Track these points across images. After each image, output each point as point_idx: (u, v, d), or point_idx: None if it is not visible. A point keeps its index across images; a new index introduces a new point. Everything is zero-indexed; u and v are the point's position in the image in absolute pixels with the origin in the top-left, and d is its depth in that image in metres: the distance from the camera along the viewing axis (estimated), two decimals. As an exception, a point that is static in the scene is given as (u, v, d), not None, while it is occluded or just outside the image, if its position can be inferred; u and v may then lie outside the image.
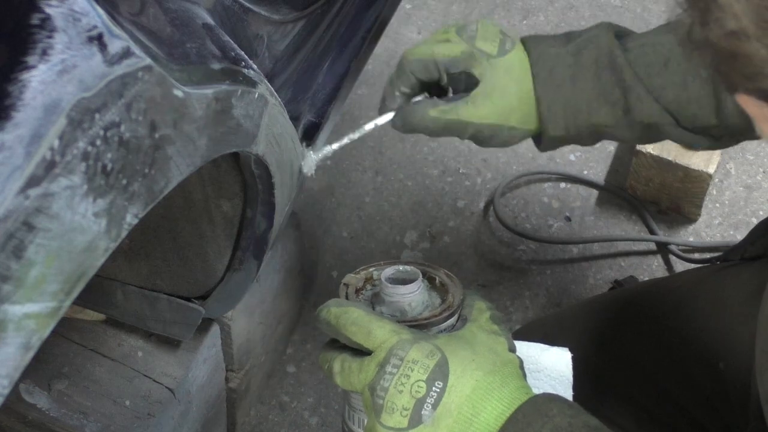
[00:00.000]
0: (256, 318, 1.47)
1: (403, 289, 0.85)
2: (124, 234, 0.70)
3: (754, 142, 2.00)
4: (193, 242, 1.16)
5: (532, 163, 1.99)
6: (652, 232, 1.85)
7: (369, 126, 1.16)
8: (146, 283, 1.22)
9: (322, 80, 1.25)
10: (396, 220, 1.91)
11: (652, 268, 1.83)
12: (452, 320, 0.84)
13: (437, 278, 0.89)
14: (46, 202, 0.62)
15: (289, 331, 1.72)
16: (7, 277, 0.60)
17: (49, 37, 0.63)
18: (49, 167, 0.62)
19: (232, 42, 0.91)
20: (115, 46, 0.66)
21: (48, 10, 0.63)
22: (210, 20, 0.91)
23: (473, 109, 1.06)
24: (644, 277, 1.81)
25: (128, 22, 0.71)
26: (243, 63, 0.90)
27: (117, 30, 0.67)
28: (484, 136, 1.09)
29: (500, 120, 1.06)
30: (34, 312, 0.63)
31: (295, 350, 1.74)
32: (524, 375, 0.79)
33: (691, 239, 1.85)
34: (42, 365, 1.29)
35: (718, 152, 1.81)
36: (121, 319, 1.30)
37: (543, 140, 1.10)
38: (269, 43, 1.13)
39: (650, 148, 1.82)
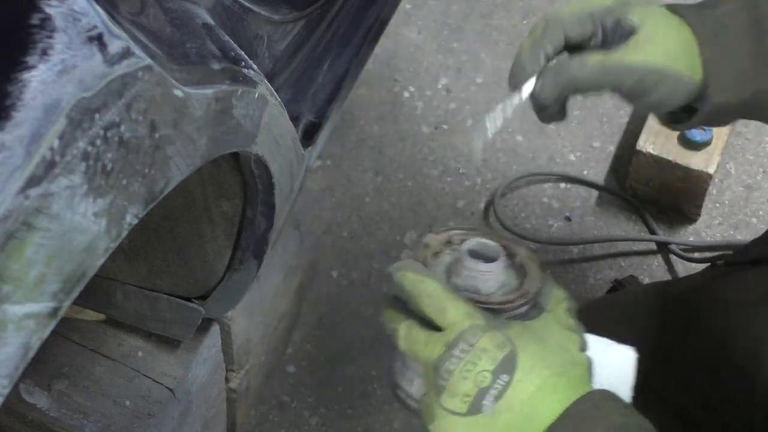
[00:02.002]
0: (256, 318, 1.47)
1: (482, 266, 0.82)
2: (124, 234, 0.70)
3: (754, 142, 2.00)
4: (193, 242, 1.16)
5: (532, 163, 1.99)
6: (652, 232, 1.85)
7: (515, 99, 0.99)
8: (146, 283, 1.22)
9: (322, 80, 1.25)
10: (396, 220, 1.91)
11: (653, 268, 1.82)
12: (526, 308, 0.81)
13: (518, 257, 0.85)
14: (46, 202, 0.62)
15: (289, 331, 1.72)
16: (7, 277, 0.60)
17: (49, 37, 0.63)
18: (49, 167, 0.62)
19: (232, 42, 0.91)
20: (115, 46, 0.66)
21: (48, 10, 0.63)
22: (210, 20, 0.91)
23: (637, 52, 0.96)
24: (644, 276, 1.81)
25: (128, 22, 0.71)
26: (243, 63, 0.90)
27: (117, 30, 0.67)
28: (648, 85, 0.96)
29: (666, 62, 0.95)
30: (34, 312, 0.63)
31: (295, 350, 1.74)
32: (592, 377, 0.78)
33: (691, 239, 1.85)
34: (42, 365, 1.29)
35: (718, 152, 1.81)
36: (121, 319, 1.30)
37: (703, 107, 0.97)
38: (269, 43, 1.13)
39: (650, 148, 1.82)
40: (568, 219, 1.91)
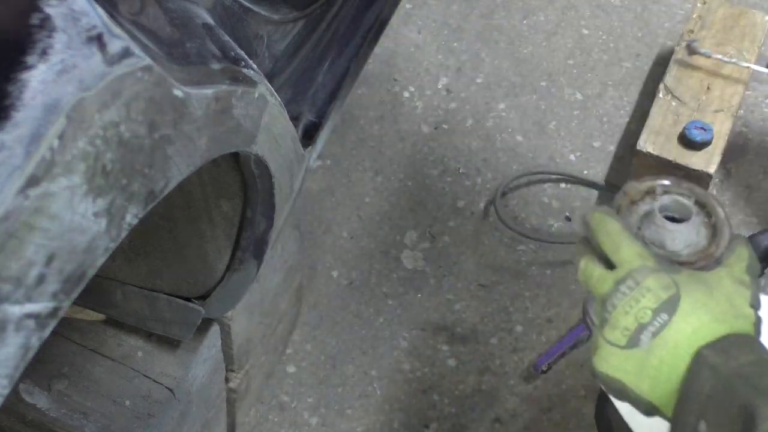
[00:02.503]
0: (256, 318, 1.47)
1: (670, 225, 0.84)
2: (124, 234, 0.70)
3: (755, 141, 2.00)
4: (193, 242, 1.16)
5: (532, 163, 1.99)
6: (652, 232, 1.85)
7: None
8: (146, 283, 1.22)
9: (322, 80, 1.25)
10: (396, 220, 1.91)
11: (652, 268, 1.82)
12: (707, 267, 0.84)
13: (713, 219, 0.86)
14: (46, 202, 0.62)
15: (289, 331, 1.72)
16: (7, 277, 0.60)
17: (49, 36, 0.63)
18: (48, 167, 0.62)
19: (232, 42, 0.91)
20: (114, 45, 0.66)
21: (48, 10, 0.63)
22: (210, 20, 0.91)
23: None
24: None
25: (128, 21, 0.71)
26: (243, 63, 0.89)
27: (117, 30, 0.67)
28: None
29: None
30: (34, 312, 0.63)
31: (295, 350, 1.74)
32: (758, 335, 0.79)
33: (691, 239, 1.85)
34: (42, 365, 1.29)
35: (718, 152, 1.81)
36: (121, 319, 1.30)
37: None
38: (269, 43, 1.13)
39: (650, 148, 1.82)
40: (568, 219, 1.90)
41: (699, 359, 0.76)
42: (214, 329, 1.35)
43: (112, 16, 0.67)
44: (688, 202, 0.86)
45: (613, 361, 0.79)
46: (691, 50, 1.98)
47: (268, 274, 1.45)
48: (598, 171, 1.97)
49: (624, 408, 0.85)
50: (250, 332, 1.47)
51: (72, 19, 0.64)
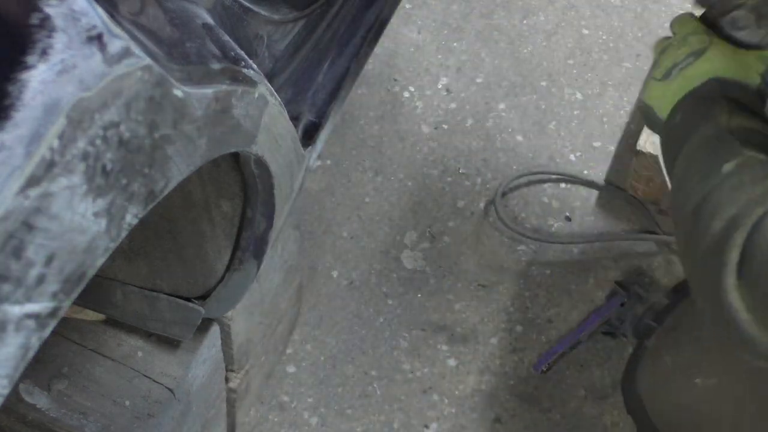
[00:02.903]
0: (256, 318, 1.47)
1: None
2: (124, 234, 0.70)
3: (754, 142, 2.00)
4: (193, 242, 1.16)
5: (532, 163, 1.99)
6: (652, 231, 1.85)
7: None
8: (146, 283, 1.22)
9: (322, 80, 1.25)
10: (396, 220, 1.91)
11: (653, 268, 1.82)
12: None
13: None
14: (45, 202, 0.62)
15: (289, 331, 1.72)
16: (7, 277, 0.60)
17: (49, 36, 0.63)
18: (48, 167, 0.61)
19: (232, 42, 0.91)
20: (114, 45, 0.66)
21: (48, 9, 0.63)
22: (210, 20, 0.91)
23: None
24: (645, 276, 1.81)
25: (128, 21, 0.71)
26: (243, 63, 0.89)
27: (117, 30, 0.67)
28: None
29: None
30: (34, 312, 0.63)
31: (295, 350, 1.74)
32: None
33: (691, 239, 1.85)
34: (42, 365, 1.29)
35: (718, 152, 1.81)
36: (121, 319, 1.30)
37: None
38: (269, 43, 1.13)
39: (651, 148, 1.82)
40: (568, 219, 1.90)
41: (710, 81, 1.03)
42: (214, 329, 1.35)
43: (112, 16, 0.67)
44: None
45: (650, 91, 1.10)
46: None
47: (268, 274, 1.45)
48: (598, 171, 1.97)
49: None
50: (250, 332, 1.46)
51: (72, 19, 0.64)
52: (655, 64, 1.09)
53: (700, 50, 1.06)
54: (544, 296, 1.80)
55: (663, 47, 1.11)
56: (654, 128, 1.10)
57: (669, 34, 1.17)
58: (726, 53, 1.05)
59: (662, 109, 1.08)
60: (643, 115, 1.12)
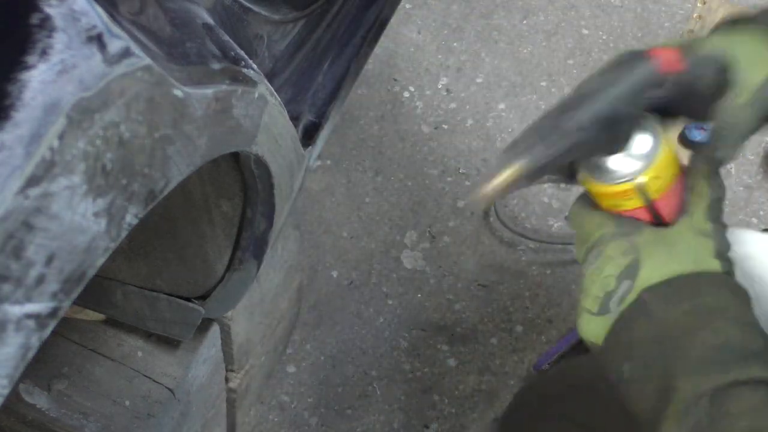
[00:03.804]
0: (256, 318, 1.47)
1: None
2: (124, 234, 0.70)
3: (754, 142, 2.00)
4: (193, 242, 1.16)
5: (532, 163, 1.99)
6: (652, 232, 1.85)
7: None
8: (146, 283, 1.22)
9: (322, 80, 1.25)
10: (396, 220, 1.91)
11: (652, 268, 1.82)
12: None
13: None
14: (45, 202, 0.62)
15: (289, 331, 1.72)
16: (7, 277, 0.60)
17: (49, 36, 0.63)
18: (48, 167, 0.61)
19: (232, 42, 0.91)
20: (114, 45, 0.66)
21: (48, 9, 0.63)
22: (210, 20, 0.91)
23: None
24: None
25: (128, 21, 0.71)
26: (243, 63, 0.89)
27: (117, 30, 0.67)
28: None
29: None
30: (34, 312, 0.63)
31: (295, 350, 1.74)
32: (731, 277, 0.79)
33: (691, 239, 1.85)
34: (42, 365, 1.29)
35: (718, 152, 1.81)
36: (120, 319, 1.30)
37: None
38: (269, 43, 1.13)
39: (650, 148, 1.81)
40: (568, 219, 1.91)
41: (638, 302, 0.78)
42: (214, 329, 1.35)
43: (112, 16, 0.67)
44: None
45: (588, 327, 0.82)
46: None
47: (268, 274, 1.45)
48: (598, 171, 1.97)
49: None
50: (250, 332, 1.46)
51: (72, 19, 0.64)
52: (582, 290, 0.83)
53: (630, 266, 0.81)
54: (544, 296, 1.80)
55: (582, 263, 0.85)
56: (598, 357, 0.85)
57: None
58: (659, 250, 0.80)
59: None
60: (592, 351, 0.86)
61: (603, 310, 0.81)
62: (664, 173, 0.85)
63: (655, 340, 0.77)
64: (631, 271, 0.80)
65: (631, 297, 0.79)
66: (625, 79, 0.83)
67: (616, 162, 0.85)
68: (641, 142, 0.84)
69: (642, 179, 0.85)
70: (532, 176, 0.86)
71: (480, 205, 0.94)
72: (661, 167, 0.85)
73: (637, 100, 0.83)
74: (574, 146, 0.84)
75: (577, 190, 0.89)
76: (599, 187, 0.87)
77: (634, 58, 0.83)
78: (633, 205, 0.87)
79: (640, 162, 0.84)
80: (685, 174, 0.86)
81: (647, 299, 0.78)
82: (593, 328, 0.81)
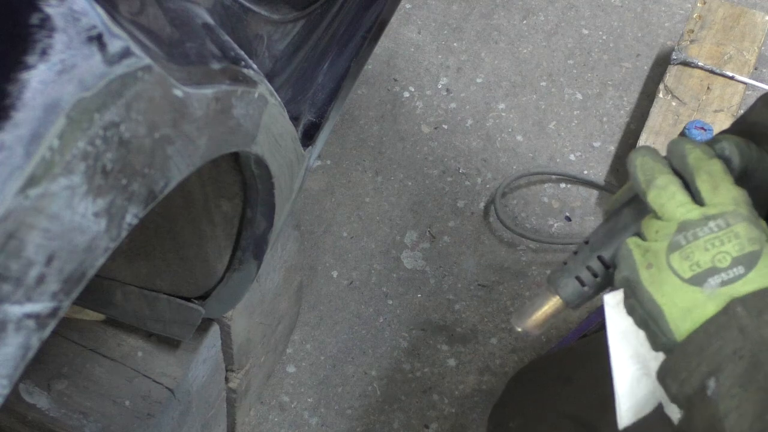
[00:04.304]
0: (256, 318, 1.47)
1: None
2: (124, 234, 0.70)
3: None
4: (193, 242, 1.16)
5: (532, 163, 1.99)
6: (652, 232, 1.85)
7: None
8: (146, 283, 1.22)
9: (322, 80, 1.25)
10: (396, 220, 1.90)
11: (652, 268, 1.82)
12: None
13: None
14: (45, 202, 0.62)
15: (289, 331, 1.72)
16: (7, 277, 0.60)
17: (49, 36, 0.63)
18: (48, 167, 0.61)
19: (232, 42, 0.91)
20: (114, 45, 0.66)
21: (47, 9, 0.63)
22: (210, 20, 0.91)
23: None
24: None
25: (128, 21, 0.71)
26: (243, 63, 0.89)
27: (116, 30, 0.67)
28: None
29: None
30: (34, 312, 0.63)
31: (295, 350, 1.74)
32: None
33: (691, 239, 1.85)
34: (42, 365, 1.29)
35: (718, 152, 1.81)
36: (120, 319, 1.30)
37: None
38: (269, 43, 1.13)
39: (650, 148, 1.81)
40: (568, 219, 1.90)
41: (729, 314, 0.73)
42: (214, 329, 1.35)
43: (112, 16, 0.67)
44: None
45: (666, 288, 0.75)
46: (685, 64, 2.00)
47: (268, 274, 1.45)
48: (598, 171, 1.97)
49: (617, 343, 0.83)
50: (250, 332, 1.46)
51: (72, 19, 0.64)
52: (677, 247, 0.76)
53: (752, 254, 0.74)
54: (544, 296, 1.81)
55: (684, 220, 0.77)
56: (656, 340, 0.78)
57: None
58: None
59: (680, 325, 0.75)
60: (636, 310, 0.79)
61: (696, 280, 0.74)
62: None
63: (751, 362, 0.71)
64: (749, 260, 0.74)
65: (740, 289, 0.73)
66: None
67: None
68: None
69: None
70: (577, 306, 0.87)
71: (524, 334, 0.91)
72: None
73: None
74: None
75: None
76: None
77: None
78: None
79: None
80: None
81: (740, 312, 0.73)
82: (670, 292, 0.75)
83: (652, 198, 0.78)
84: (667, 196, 0.78)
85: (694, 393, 0.73)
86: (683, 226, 0.76)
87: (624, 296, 0.80)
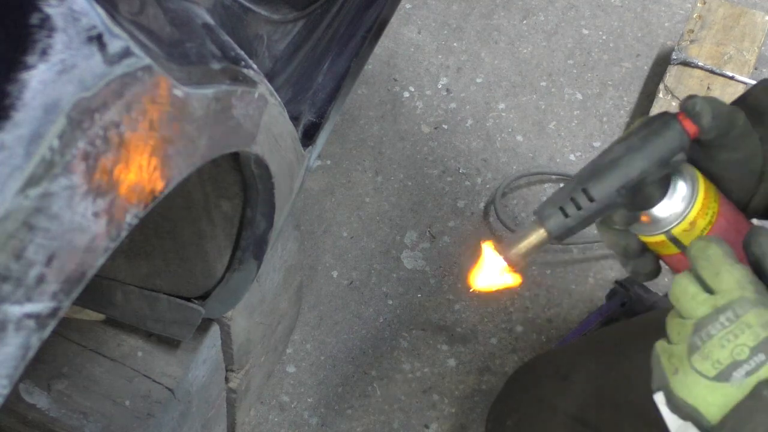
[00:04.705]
0: (256, 318, 1.47)
1: None
2: (124, 234, 0.70)
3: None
4: (193, 242, 1.16)
5: (532, 163, 1.99)
6: (652, 232, 1.85)
7: None
8: (146, 283, 1.22)
9: (322, 80, 1.25)
10: (396, 220, 1.90)
11: (652, 268, 1.83)
12: None
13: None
14: (45, 202, 0.62)
15: (289, 331, 1.71)
16: (7, 277, 0.60)
17: (49, 36, 0.63)
18: (48, 167, 0.61)
19: (232, 42, 0.91)
20: (114, 45, 0.66)
21: (47, 9, 0.63)
22: (210, 20, 0.91)
23: None
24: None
25: (128, 21, 0.71)
26: (243, 63, 0.89)
27: (116, 30, 0.67)
28: None
29: None
30: (34, 312, 0.63)
31: (295, 350, 1.74)
32: None
33: (691, 239, 1.85)
34: (42, 365, 1.29)
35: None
36: (121, 319, 1.30)
37: None
38: (269, 43, 1.13)
39: (650, 148, 1.81)
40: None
41: (756, 397, 0.74)
42: (214, 329, 1.35)
43: (112, 16, 0.67)
44: None
45: (696, 391, 0.77)
46: (685, 64, 2.00)
47: (268, 274, 1.45)
48: (598, 171, 1.97)
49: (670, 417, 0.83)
50: (250, 332, 1.46)
51: (72, 19, 0.64)
52: (695, 349, 0.77)
53: None
54: (544, 296, 1.80)
55: (698, 319, 0.78)
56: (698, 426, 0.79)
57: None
58: None
59: (715, 415, 0.77)
60: (677, 411, 0.80)
61: (723, 377, 0.76)
62: (700, 220, 0.88)
63: None
64: (767, 346, 0.75)
65: (764, 373, 0.75)
66: (655, 145, 0.85)
67: (648, 216, 0.88)
68: (674, 194, 0.87)
69: (674, 230, 0.87)
70: (560, 238, 0.88)
71: (510, 266, 0.92)
72: (696, 214, 0.87)
73: (664, 164, 0.85)
74: (604, 210, 0.86)
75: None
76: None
77: (664, 123, 0.85)
78: (670, 251, 0.89)
79: (671, 216, 0.87)
80: (725, 204, 0.88)
81: (766, 394, 0.74)
82: (702, 393, 0.76)
83: (671, 293, 0.81)
84: (680, 291, 0.80)
85: None
86: (698, 326, 0.77)
87: (665, 399, 0.81)
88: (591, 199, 0.86)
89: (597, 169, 0.86)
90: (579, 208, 0.86)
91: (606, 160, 0.86)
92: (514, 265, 0.91)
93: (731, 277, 0.78)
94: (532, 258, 0.88)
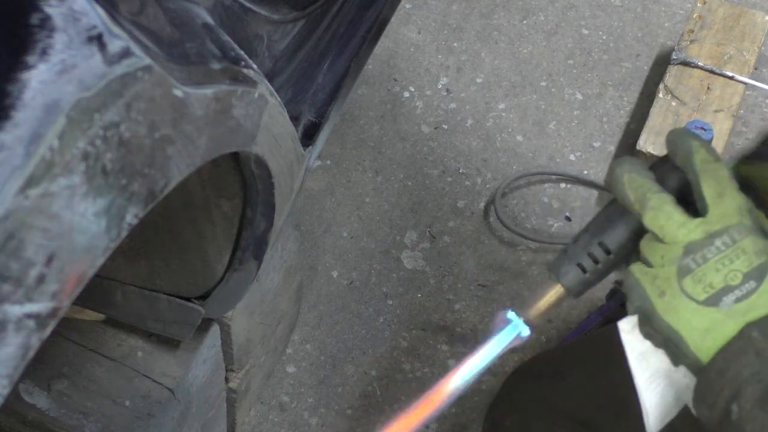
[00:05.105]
0: (256, 318, 1.47)
1: None
2: (124, 234, 0.70)
3: (754, 143, 2.00)
4: (193, 242, 1.16)
5: (532, 163, 1.99)
6: (652, 232, 1.85)
7: None
8: (146, 283, 1.22)
9: (322, 80, 1.25)
10: (396, 220, 1.90)
11: (652, 268, 1.82)
12: None
13: None
14: (45, 202, 0.62)
15: (289, 331, 1.72)
16: (7, 277, 0.60)
17: (49, 36, 0.63)
18: (48, 167, 0.61)
19: (232, 42, 0.91)
20: (114, 45, 0.66)
21: (48, 9, 0.63)
22: (210, 20, 0.91)
23: None
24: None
25: (128, 21, 0.71)
26: (243, 63, 0.89)
27: (117, 30, 0.67)
28: None
29: None
30: (34, 312, 0.63)
31: (295, 350, 1.74)
32: None
33: (691, 239, 1.85)
34: (42, 365, 1.29)
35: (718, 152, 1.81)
36: (120, 319, 1.30)
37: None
38: (269, 43, 1.13)
39: (650, 148, 1.82)
40: (568, 219, 1.90)
41: (745, 338, 0.73)
42: (214, 329, 1.35)
43: (112, 16, 0.67)
44: None
45: (682, 314, 0.75)
46: (685, 64, 2.00)
47: (268, 274, 1.45)
48: (598, 171, 1.97)
49: (637, 362, 0.83)
50: (250, 332, 1.46)
51: (72, 19, 0.64)
52: (687, 272, 0.75)
53: (761, 267, 0.74)
54: (544, 296, 1.80)
55: (689, 242, 0.76)
56: (678, 361, 0.78)
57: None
58: None
59: (701, 346, 0.75)
60: (656, 337, 0.78)
61: (712, 301, 0.74)
62: None
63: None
64: (759, 273, 0.74)
65: (755, 303, 0.73)
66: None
67: None
68: None
69: None
70: (579, 294, 0.86)
71: (529, 326, 0.92)
72: None
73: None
74: (621, 261, 0.83)
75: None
76: None
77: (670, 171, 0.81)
78: None
79: None
80: None
81: (755, 336, 0.73)
82: (688, 317, 0.75)
83: (649, 221, 0.78)
84: (664, 218, 0.77)
85: (721, 418, 0.73)
86: (689, 249, 0.75)
87: (639, 324, 0.79)
88: (608, 252, 0.84)
89: (610, 219, 0.84)
90: (596, 262, 0.84)
91: (618, 209, 0.83)
92: (534, 326, 0.91)
93: (733, 202, 0.76)
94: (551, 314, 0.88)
